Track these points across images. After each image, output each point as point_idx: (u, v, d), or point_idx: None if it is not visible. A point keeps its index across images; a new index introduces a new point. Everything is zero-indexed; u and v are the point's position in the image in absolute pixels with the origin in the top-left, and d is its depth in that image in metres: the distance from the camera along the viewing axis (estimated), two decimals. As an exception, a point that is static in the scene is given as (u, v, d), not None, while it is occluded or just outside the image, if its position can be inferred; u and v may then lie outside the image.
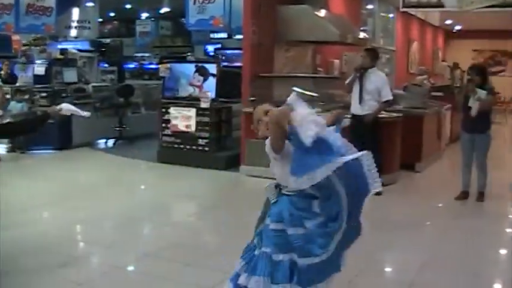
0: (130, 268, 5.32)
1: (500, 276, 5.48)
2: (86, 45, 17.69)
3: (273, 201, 3.62)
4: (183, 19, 15.70)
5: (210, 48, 20.65)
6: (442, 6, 9.53)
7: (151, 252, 5.61)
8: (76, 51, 14.87)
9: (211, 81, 10.02)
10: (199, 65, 10.45)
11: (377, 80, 8.28)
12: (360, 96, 8.23)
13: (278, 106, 3.54)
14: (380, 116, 8.47)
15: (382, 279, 5.33)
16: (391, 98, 8.43)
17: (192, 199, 8.18)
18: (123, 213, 6.96)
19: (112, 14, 23.64)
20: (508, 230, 7.06)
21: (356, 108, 8.25)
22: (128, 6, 20.44)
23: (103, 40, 20.60)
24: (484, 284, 5.17)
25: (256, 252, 3.67)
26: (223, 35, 19.32)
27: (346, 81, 8.52)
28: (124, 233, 6.28)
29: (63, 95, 11.71)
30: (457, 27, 24.30)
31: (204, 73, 10.15)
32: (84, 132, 11.61)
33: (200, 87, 10.10)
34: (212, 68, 10.17)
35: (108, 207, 7.26)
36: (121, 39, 22.27)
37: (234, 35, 16.79)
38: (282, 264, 3.47)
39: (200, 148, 9.90)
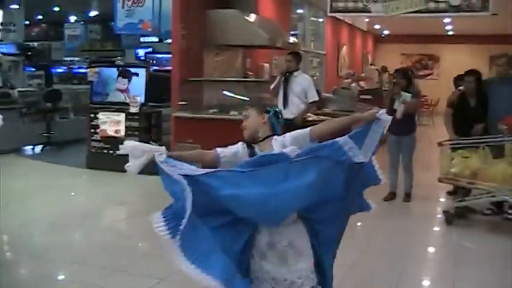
0: (60, 277, 5.21)
1: (426, 274, 5.63)
2: (11, 49, 17.22)
3: None
4: (112, 23, 15.53)
5: (141, 52, 20.48)
6: (368, 11, 9.71)
7: (80, 259, 5.50)
8: (0, 55, 14.46)
9: (140, 85, 9.91)
10: (121, 68, 10.33)
11: (303, 82, 8.39)
12: (284, 100, 8.31)
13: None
14: (308, 118, 8.57)
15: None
16: (317, 99, 8.56)
17: (121, 204, 8.08)
18: (51, 220, 6.80)
19: (40, 17, 23.14)
20: (434, 228, 7.23)
21: (282, 112, 8.29)
22: (56, 9, 20.03)
23: (30, 43, 20.12)
24: (412, 282, 5.28)
25: None
26: (154, 39, 19.18)
27: (272, 86, 8.58)
28: (52, 240, 6.14)
29: (-12, 99, 11.39)
30: (386, 32, 24.86)
31: (126, 75, 10.05)
32: (9, 138, 11.25)
33: (126, 90, 9.98)
34: (141, 72, 10.07)
35: (36, 214, 7.08)
36: (49, 43, 21.80)
37: (165, 39, 16.69)
38: None
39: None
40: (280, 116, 3.52)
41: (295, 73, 8.37)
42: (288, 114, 8.24)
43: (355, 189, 3.44)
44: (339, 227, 3.59)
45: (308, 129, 3.36)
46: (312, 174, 3.01)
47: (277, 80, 8.48)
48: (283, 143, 3.29)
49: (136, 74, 10.04)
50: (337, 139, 3.19)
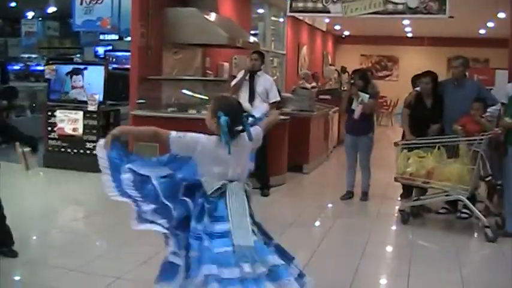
0: (16, 277, 5.12)
1: (382, 273, 5.69)
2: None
3: None
4: (70, 19, 15.32)
5: (101, 50, 20.26)
6: (328, 12, 9.78)
7: (35, 259, 5.42)
8: (-46, 51, 14.19)
9: (99, 83, 9.81)
10: (73, 66, 10.25)
11: (265, 82, 8.41)
12: (250, 99, 8.31)
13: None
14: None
15: (267, 280, 5.39)
16: (279, 99, 8.61)
17: (78, 204, 7.98)
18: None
19: (-5, 13, 22.75)
20: (390, 227, 7.32)
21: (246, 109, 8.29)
22: (13, 4, 19.68)
23: (-14, 39, 19.78)
24: (367, 280, 5.33)
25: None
26: (114, 36, 18.99)
27: (233, 82, 8.56)
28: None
29: None
30: (346, 33, 25.07)
31: (78, 72, 9.99)
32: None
33: (82, 87, 9.90)
34: (100, 69, 9.97)
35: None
36: (5, 39, 21.41)
37: (125, 37, 16.55)
38: None
39: (88, 152, 9.66)
40: (228, 124, 3.65)
41: (258, 73, 8.40)
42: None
43: None
44: None
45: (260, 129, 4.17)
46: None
47: (239, 77, 8.46)
48: None
49: (85, 68, 9.98)
50: None
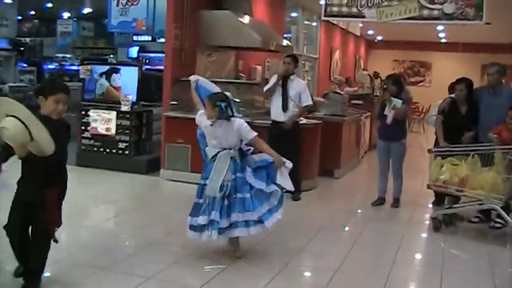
0: (46, 274, 5.16)
1: (414, 280, 5.65)
2: (3, 44, 17.12)
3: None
4: (105, 20, 15.44)
5: (133, 50, 20.39)
6: (362, 16, 9.72)
7: (65, 258, 5.47)
8: (-8, 50, 14.41)
9: (133, 84, 9.88)
10: (109, 67, 10.35)
11: (298, 85, 8.36)
12: (283, 103, 8.27)
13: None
14: (301, 122, 8.58)
15: (297, 284, 5.38)
16: (311, 103, 8.55)
17: (110, 203, 8.05)
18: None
19: (32, 13, 23.00)
20: (422, 235, 7.27)
21: (278, 115, 8.27)
22: (49, 5, 19.92)
23: (22, 39, 20.00)
24: (398, 286, 5.29)
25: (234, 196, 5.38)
26: (147, 38, 19.10)
27: (266, 87, 8.51)
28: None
29: (-23, 95, 11.32)
30: (379, 38, 24.93)
31: (114, 73, 10.10)
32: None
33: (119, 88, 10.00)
34: (134, 70, 10.04)
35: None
36: (41, 39, 21.67)
37: (158, 38, 16.63)
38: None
39: (120, 152, 9.76)
40: (227, 106, 5.45)
41: (291, 77, 8.35)
42: (285, 117, 8.23)
43: None
44: None
45: (254, 134, 5.55)
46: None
47: (273, 81, 8.39)
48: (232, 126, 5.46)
49: (119, 69, 10.11)
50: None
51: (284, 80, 8.27)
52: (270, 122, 8.45)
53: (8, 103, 4.23)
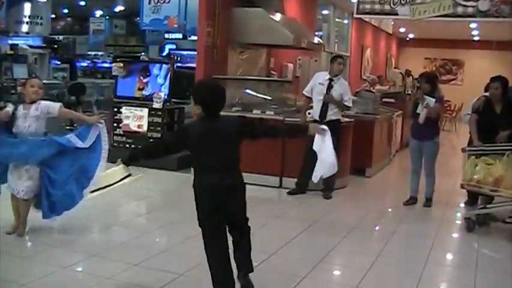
0: (77, 268, 5.23)
1: (446, 280, 5.59)
2: (37, 41, 17.34)
3: None
4: (137, 18, 15.55)
5: (167, 47, 20.53)
6: (395, 14, 9.66)
7: (99, 253, 5.53)
8: (27, 47, 14.57)
9: (164, 81, 9.95)
10: (143, 64, 10.45)
11: (341, 86, 8.35)
12: (324, 103, 8.25)
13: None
14: (342, 121, 8.54)
15: (329, 283, 5.37)
16: (351, 105, 8.57)
17: (142, 200, 8.10)
18: (71, 213, 6.81)
19: (65, 11, 23.27)
20: (454, 235, 7.19)
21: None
22: (82, 3, 20.14)
23: (55, 37, 20.24)
24: (429, 287, 5.24)
25: None
26: (178, 35, 19.22)
27: (308, 88, 8.48)
28: (71, 233, 6.17)
29: (12, 91, 11.46)
30: (410, 36, 24.72)
31: (146, 70, 10.25)
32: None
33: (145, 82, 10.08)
34: (165, 68, 10.10)
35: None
36: (74, 37, 21.91)
37: (189, 36, 16.71)
38: None
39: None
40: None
41: (336, 77, 8.35)
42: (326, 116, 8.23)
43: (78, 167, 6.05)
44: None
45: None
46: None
47: (322, 82, 8.35)
48: None
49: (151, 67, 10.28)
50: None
51: (330, 80, 8.26)
52: (298, 119, 8.48)
53: None
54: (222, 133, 4.25)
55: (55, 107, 5.94)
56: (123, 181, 4.81)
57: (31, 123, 5.77)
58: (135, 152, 4.96)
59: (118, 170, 4.67)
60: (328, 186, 8.38)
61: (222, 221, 4.31)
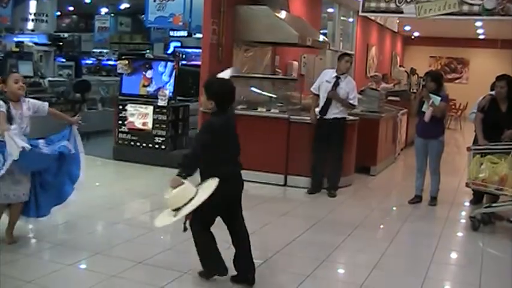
0: (82, 266, 5.24)
1: (451, 280, 5.58)
2: (43, 39, 17.35)
3: None
4: (142, 16, 15.55)
5: (172, 45, 20.55)
6: (401, 12, 9.64)
7: (103, 250, 5.54)
8: (32, 45, 14.56)
9: (169, 79, 9.96)
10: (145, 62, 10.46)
11: (348, 84, 8.34)
12: (328, 100, 8.26)
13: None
14: (347, 119, 8.53)
15: (333, 281, 5.38)
16: (356, 104, 8.56)
17: (146, 197, 8.10)
18: (75, 210, 6.83)
19: (71, 8, 23.32)
20: (459, 234, 7.17)
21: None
22: (87, 0, 20.18)
23: (61, 34, 20.25)
24: (437, 286, 5.24)
25: None
26: (183, 33, 19.23)
27: (316, 85, 8.48)
28: (75, 231, 6.19)
29: (18, 88, 11.47)
30: (416, 34, 24.66)
31: (150, 68, 10.25)
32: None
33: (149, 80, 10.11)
34: (170, 66, 10.10)
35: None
36: (79, 34, 21.93)
37: (194, 34, 16.70)
38: None
39: (157, 146, 9.82)
40: None
41: (343, 75, 8.34)
42: (330, 114, 8.23)
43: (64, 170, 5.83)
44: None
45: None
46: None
47: (329, 80, 8.35)
48: None
49: (156, 64, 10.27)
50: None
51: (337, 78, 8.26)
52: (307, 118, 8.48)
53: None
54: (234, 126, 4.76)
55: (44, 106, 5.73)
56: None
57: (27, 124, 5.55)
58: (186, 163, 4.61)
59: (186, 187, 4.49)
60: (333, 184, 8.40)
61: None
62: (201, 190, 4.45)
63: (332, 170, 8.42)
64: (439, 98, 7.77)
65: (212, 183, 4.40)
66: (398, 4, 9.42)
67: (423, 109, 7.89)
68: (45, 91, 12.15)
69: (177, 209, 4.45)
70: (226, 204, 4.70)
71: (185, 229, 4.63)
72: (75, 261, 5.25)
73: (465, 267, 5.94)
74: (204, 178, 4.57)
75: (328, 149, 8.30)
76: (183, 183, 4.44)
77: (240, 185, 4.78)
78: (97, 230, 6.60)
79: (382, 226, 7.29)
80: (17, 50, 13.77)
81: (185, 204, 4.40)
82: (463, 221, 7.59)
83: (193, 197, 4.40)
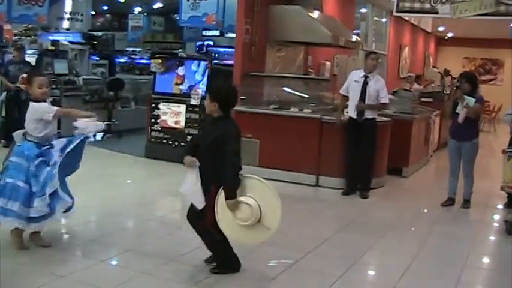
0: (113, 262, 5.29)
1: (483, 284, 5.52)
2: (77, 38, 17.57)
3: (18, 144, 5.26)
4: (175, 15, 15.62)
5: (204, 44, 20.65)
6: (436, 12, 9.51)
7: (135, 247, 5.58)
8: (67, 43, 14.76)
9: (202, 78, 10.00)
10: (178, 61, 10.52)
11: (377, 83, 8.29)
12: (362, 100, 8.21)
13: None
14: (377, 119, 8.47)
15: (364, 283, 5.35)
16: (388, 101, 8.49)
17: (177, 195, 8.08)
18: (107, 208, 6.92)
19: (105, 8, 23.54)
20: (492, 237, 7.08)
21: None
22: (121, 0, 20.36)
23: (95, 33, 20.47)
24: (466, 290, 5.20)
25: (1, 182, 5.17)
26: (215, 32, 19.31)
27: (346, 86, 8.45)
28: (107, 227, 6.24)
29: (53, 86, 11.61)
30: (449, 34, 24.39)
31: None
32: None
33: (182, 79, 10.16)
34: (203, 65, 10.14)
35: (92, 200, 7.17)
36: (113, 33, 22.15)
37: (226, 33, 16.75)
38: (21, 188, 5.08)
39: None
40: None
41: (371, 74, 8.30)
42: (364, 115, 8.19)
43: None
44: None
45: None
46: None
47: (353, 80, 8.35)
48: None
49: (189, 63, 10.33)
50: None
51: (365, 77, 8.22)
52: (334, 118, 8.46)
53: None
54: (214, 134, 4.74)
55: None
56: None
57: (55, 127, 5.43)
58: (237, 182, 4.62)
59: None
60: (364, 186, 8.35)
61: None
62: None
63: (363, 171, 8.38)
64: (474, 100, 7.67)
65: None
66: (433, 4, 9.31)
67: (457, 110, 7.80)
68: (80, 89, 12.33)
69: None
70: None
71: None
72: (107, 257, 5.31)
73: (498, 272, 5.85)
74: (208, 182, 4.73)
75: (359, 150, 8.26)
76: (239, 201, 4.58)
77: None
78: (128, 227, 6.67)
79: (414, 228, 7.22)
80: (53, 48, 13.98)
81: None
82: (496, 224, 7.49)
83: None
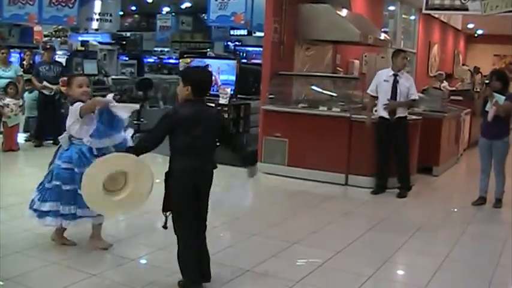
0: (144, 261, 5.33)
1: (515, 284, 5.45)
2: (106, 38, 17.76)
3: (65, 147, 5.18)
4: (203, 15, 15.69)
5: (232, 44, 20.74)
6: (466, 9, 9.42)
7: (165, 247, 5.59)
8: (97, 44, 14.94)
9: (231, 77, 10.03)
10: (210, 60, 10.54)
11: (407, 80, 8.26)
12: (392, 99, 8.16)
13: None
14: (409, 118, 8.42)
15: (395, 283, 5.32)
16: (417, 97, 8.44)
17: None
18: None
19: (133, 8, 23.73)
20: (526, 238, 6.99)
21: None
22: (150, 0, 20.51)
23: (123, 33, 20.65)
24: (498, 291, 5.13)
25: (47, 185, 5.15)
26: (243, 32, 19.34)
27: (373, 86, 8.41)
28: (137, 227, 6.27)
29: (83, 86, 11.75)
30: (479, 32, 24.10)
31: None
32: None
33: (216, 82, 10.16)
34: (232, 64, 10.17)
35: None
36: (141, 33, 22.34)
37: (254, 33, 16.77)
38: (68, 192, 5.05)
39: (217, 144, 9.87)
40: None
41: (400, 72, 8.26)
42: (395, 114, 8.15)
43: None
44: None
45: None
46: None
47: (386, 79, 8.27)
48: None
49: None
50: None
51: (395, 75, 8.18)
52: (364, 117, 8.42)
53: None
54: (208, 121, 4.54)
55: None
56: None
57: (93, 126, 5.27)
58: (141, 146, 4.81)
59: None
60: (404, 185, 8.28)
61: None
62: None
63: (401, 170, 8.31)
64: (503, 98, 7.56)
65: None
66: (463, 1, 9.22)
67: (486, 108, 7.70)
68: (109, 89, 12.42)
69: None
70: (182, 198, 4.67)
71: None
72: (138, 256, 5.36)
73: (532, 272, 5.79)
74: (169, 167, 4.70)
75: (392, 149, 8.21)
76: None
77: (197, 179, 4.66)
78: (158, 226, 6.67)
79: (445, 228, 7.15)
80: (83, 49, 14.16)
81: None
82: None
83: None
